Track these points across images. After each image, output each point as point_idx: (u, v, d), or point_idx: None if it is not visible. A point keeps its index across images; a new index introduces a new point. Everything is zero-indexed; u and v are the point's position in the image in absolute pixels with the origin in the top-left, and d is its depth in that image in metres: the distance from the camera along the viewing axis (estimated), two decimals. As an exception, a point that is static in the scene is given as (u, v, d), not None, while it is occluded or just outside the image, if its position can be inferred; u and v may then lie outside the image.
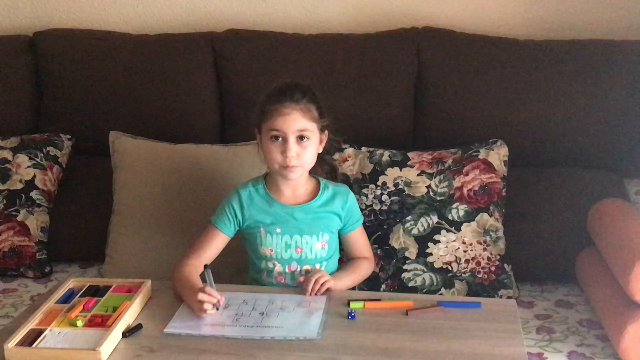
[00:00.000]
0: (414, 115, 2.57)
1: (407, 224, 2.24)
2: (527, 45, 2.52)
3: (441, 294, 2.19)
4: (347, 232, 2.05)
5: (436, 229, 2.24)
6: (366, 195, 2.29)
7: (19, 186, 2.49)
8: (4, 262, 2.43)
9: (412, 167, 2.32)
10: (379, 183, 2.31)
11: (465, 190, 2.27)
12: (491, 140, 2.36)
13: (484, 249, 2.22)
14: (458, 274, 2.21)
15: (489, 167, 2.29)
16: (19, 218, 2.45)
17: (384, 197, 2.29)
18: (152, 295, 1.87)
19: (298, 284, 1.95)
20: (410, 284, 2.21)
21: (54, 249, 2.49)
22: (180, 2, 2.79)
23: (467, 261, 2.21)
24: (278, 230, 1.97)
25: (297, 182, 1.99)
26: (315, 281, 1.85)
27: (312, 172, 2.04)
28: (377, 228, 2.26)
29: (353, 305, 1.79)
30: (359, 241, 2.07)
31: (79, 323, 1.68)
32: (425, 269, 2.22)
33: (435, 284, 2.21)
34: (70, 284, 1.88)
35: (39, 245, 2.45)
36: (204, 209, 2.15)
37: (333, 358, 1.58)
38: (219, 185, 2.30)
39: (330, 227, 2.00)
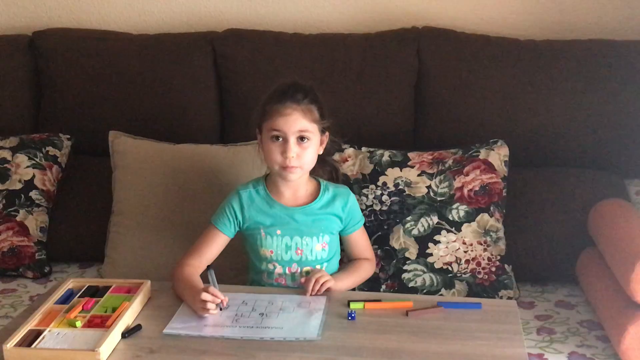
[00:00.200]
0: (414, 115, 2.56)
1: (408, 225, 2.24)
2: (527, 45, 2.52)
3: (441, 295, 2.18)
4: (348, 234, 2.04)
5: (436, 230, 2.23)
6: (366, 196, 2.29)
7: (18, 186, 2.48)
8: (3, 262, 2.42)
9: (412, 167, 2.31)
10: (379, 183, 2.30)
11: (465, 191, 2.26)
12: (492, 140, 2.35)
13: (485, 250, 2.22)
14: (458, 275, 2.20)
15: (489, 167, 2.29)
16: (18, 218, 2.45)
17: (384, 198, 2.28)
18: (152, 295, 1.87)
19: (299, 286, 1.95)
20: (411, 285, 2.20)
21: (53, 249, 2.49)
22: (180, 2, 2.79)
23: (467, 262, 2.21)
24: (278, 231, 1.96)
25: (298, 184, 1.98)
26: (316, 281, 1.85)
27: (314, 174, 2.03)
28: (377, 228, 2.26)
29: (353, 305, 1.79)
30: (360, 242, 2.07)
31: (78, 323, 1.67)
32: (425, 270, 2.21)
33: (435, 284, 2.20)
34: (69, 284, 1.88)
35: (38, 246, 2.45)
36: (204, 209, 2.15)
37: (333, 359, 1.58)
38: (219, 185, 2.30)
39: (330, 229, 2.00)
